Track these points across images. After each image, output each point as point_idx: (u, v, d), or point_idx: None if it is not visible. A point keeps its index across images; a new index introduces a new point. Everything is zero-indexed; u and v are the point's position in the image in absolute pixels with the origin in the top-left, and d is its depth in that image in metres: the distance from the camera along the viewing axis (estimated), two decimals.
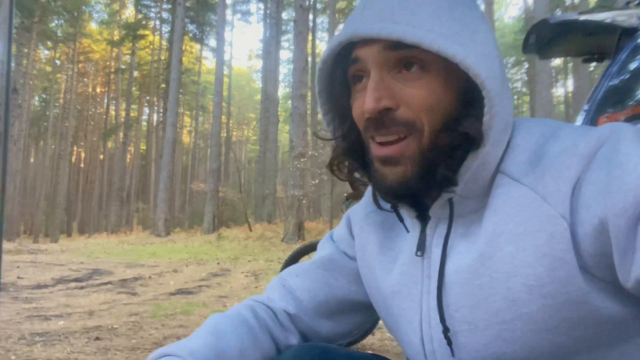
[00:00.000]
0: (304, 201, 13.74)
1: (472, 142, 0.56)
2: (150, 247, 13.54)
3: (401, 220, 0.67)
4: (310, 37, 22.31)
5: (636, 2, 2.12)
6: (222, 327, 0.69)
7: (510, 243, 0.54)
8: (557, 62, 26.92)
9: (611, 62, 2.10)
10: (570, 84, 28.65)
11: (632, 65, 2.02)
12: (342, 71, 0.62)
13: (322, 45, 29.68)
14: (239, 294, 5.01)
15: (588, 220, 0.49)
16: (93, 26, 35.06)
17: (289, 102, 22.13)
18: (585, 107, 2.11)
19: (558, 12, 18.75)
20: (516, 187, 0.55)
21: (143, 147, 37.54)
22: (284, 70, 31.95)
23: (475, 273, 0.56)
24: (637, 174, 0.46)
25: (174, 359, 0.62)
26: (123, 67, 33.59)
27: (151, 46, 32.64)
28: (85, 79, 35.99)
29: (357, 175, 0.67)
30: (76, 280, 6.18)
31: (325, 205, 20.77)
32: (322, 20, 29.54)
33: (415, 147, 0.57)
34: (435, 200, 0.61)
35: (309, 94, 18.57)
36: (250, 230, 16.12)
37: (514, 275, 0.53)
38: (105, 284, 5.85)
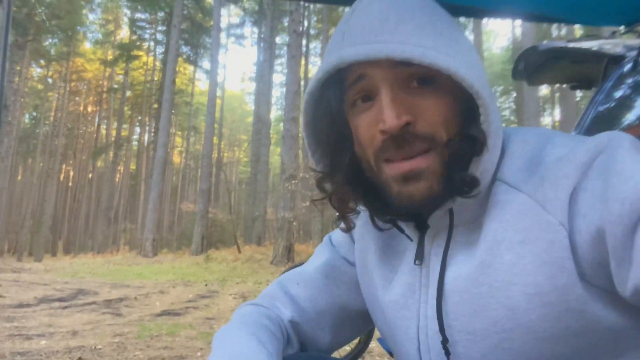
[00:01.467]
0: (294, 223, 13.66)
1: (475, 148, 0.56)
2: (137, 268, 13.31)
3: (402, 231, 0.66)
4: (303, 62, 22.62)
5: (622, 31, 2.20)
6: (263, 338, 0.66)
7: (510, 251, 0.53)
8: (544, 91, 27.51)
9: (598, 89, 2.16)
10: (557, 112, 29.23)
11: (619, 93, 2.08)
12: (329, 101, 0.60)
13: (315, 69, 30.10)
14: (227, 316, 4.93)
15: (585, 229, 0.49)
16: (87, 46, 35.22)
17: (281, 124, 22.27)
18: (573, 133, 2.15)
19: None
20: (515, 195, 0.55)
21: (133, 166, 37.32)
22: (277, 93, 32.24)
23: (475, 282, 0.56)
24: (634, 183, 0.46)
25: None
26: (116, 86, 33.65)
27: (145, 67, 32.81)
28: (77, 98, 35.93)
29: (351, 206, 0.66)
30: (60, 299, 6.04)
31: (316, 227, 20.70)
32: (315, 45, 30.02)
33: (437, 161, 0.56)
34: (435, 210, 0.60)
35: (301, 117, 18.70)
36: (239, 252, 15.95)
37: (513, 284, 0.53)
38: (90, 304, 5.73)
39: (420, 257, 0.63)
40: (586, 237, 0.49)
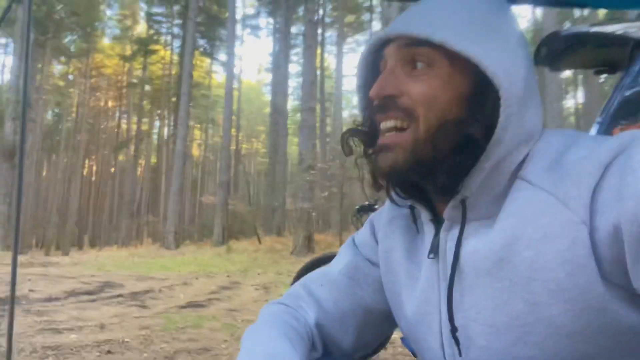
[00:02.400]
0: (313, 214, 13.72)
1: (478, 145, 0.57)
2: (160, 260, 13.55)
3: (414, 220, 0.69)
4: (318, 51, 22.50)
5: None
6: (291, 336, 0.67)
7: (530, 248, 0.53)
8: (567, 74, 26.80)
9: (624, 74, 2.09)
10: (580, 95, 28.51)
11: None
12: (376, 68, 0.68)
13: (331, 58, 29.86)
14: (249, 307, 4.99)
15: (603, 227, 0.49)
16: (106, 42, 35.66)
17: (298, 115, 22.28)
18: (599, 119, 2.09)
19: (567, 25, 18.74)
20: (535, 192, 0.55)
21: (154, 160, 37.88)
22: (293, 83, 32.18)
23: (496, 277, 0.56)
24: None
25: None
26: (135, 81, 34.07)
27: (162, 61, 33.11)
28: (97, 93, 36.50)
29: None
30: (87, 293, 6.20)
31: (335, 218, 20.74)
32: (331, 34, 29.81)
33: (409, 138, 0.59)
34: (449, 202, 0.62)
35: (318, 107, 18.64)
36: (260, 242, 16.12)
37: (534, 280, 0.53)
38: (116, 296, 5.86)
39: (434, 250, 0.65)
40: (605, 235, 0.49)
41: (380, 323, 0.78)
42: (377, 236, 0.77)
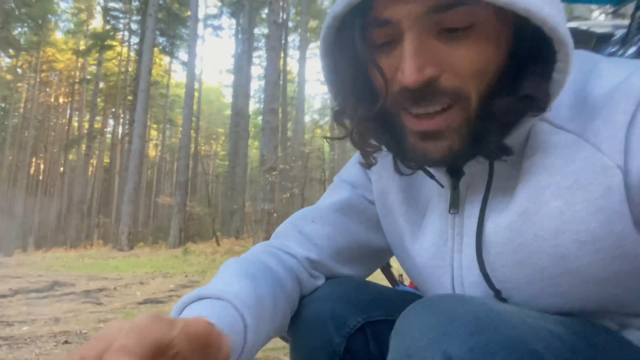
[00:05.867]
0: (274, 215, 13.62)
1: (534, 104, 0.49)
2: (113, 261, 13.04)
3: (432, 177, 0.61)
4: (281, 55, 22.45)
5: (610, 11, 2.25)
6: (253, 272, 0.63)
7: (558, 197, 0.50)
8: None
9: None
10: None
11: None
12: (348, 38, 0.53)
13: (293, 62, 29.88)
14: None
15: (636, 168, 0.46)
16: (58, 35, 34.18)
17: (259, 118, 22.10)
18: None
19: None
20: (561, 136, 0.50)
21: (106, 160, 36.50)
22: (255, 86, 31.94)
23: (517, 231, 0.53)
24: None
25: (218, 303, 0.53)
26: (89, 77, 32.79)
27: (119, 57, 32.06)
28: (47, 89, 34.87)
29: (372, 143, 0.61)
30: (36, 291, 5.89)
31: None
32: (294, 38, 29.85)
33: (461, 117, 0.50)
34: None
35: (280, 110, 18.58)
36: (218, 244, 15.83)
37: (562, 232, 0.49)
38: (68, 294, 5.59)
39: (455, 205, 0.60)
40: (636, 177, 0.46)
41: (377, 255, 0.78)
42: (370, 175, 0.73)
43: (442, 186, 0.62)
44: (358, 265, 0.76)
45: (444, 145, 0.51)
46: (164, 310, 4.35)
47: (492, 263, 0.56)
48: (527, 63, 0.49)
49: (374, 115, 0.55)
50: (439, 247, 0.62)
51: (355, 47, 0.51)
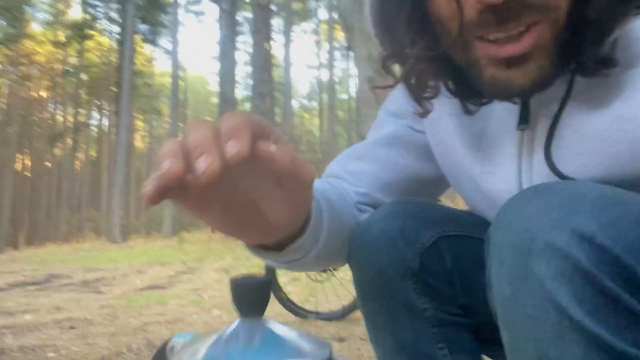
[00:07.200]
0: None
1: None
2: (108, 254, 12.94)
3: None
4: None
5: None
6: (319, 184, 0.62)
7: None
8: None
9: None
10: None
11: None
12: None
13: (278, 46, 29.55)
14: (214, 286, 4.85)
15: None
16: (36, 27, 33.38)
17: (246, 104, 21.88)
18: None
19: None
20: None
21: (93, 153, 36.07)
22: (241, 72, 31.55)
23: (610, 140, 0.47)
24: None
25: None
26: (70, 69, 32.16)
27: (100, 47, 31.44)
28: (29, 83, 34.17)
29: (431, 85, 0.56)
30: (33, 283, 5.80)
31: None
32: (278, 22, 29.45)
33: (550, 33, 0.45)
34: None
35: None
36: (213, 232, 15.73)
37: None
38: (66, 285, 5.53)
39: (525, 120, 0.54)
40: None
41: (429, 188, 0.73)
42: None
43: (515, 103, 0.56)
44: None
45: (532, 69, 0.46)
46: (167, 294, 4.31)
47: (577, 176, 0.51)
48: None
49: (440, 52, 0.50)
50: (502, 168, 0.57)
51: None
